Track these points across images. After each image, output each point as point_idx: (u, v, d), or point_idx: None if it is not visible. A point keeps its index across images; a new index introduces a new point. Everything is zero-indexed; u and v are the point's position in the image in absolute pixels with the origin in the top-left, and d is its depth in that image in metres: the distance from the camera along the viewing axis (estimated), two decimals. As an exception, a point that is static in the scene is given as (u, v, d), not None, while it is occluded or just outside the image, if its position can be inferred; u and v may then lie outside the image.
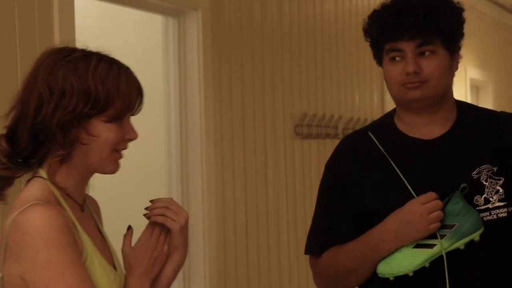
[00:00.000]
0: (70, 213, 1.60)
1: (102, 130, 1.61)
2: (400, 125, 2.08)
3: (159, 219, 1.69)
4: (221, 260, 3.59)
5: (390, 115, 2.14)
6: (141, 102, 1.67)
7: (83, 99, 1.58)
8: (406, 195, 1.95)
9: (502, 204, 1.96)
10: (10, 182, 1.62)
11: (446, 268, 1.90)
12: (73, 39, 2.81)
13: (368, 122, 5.05)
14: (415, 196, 1.94)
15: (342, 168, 2.10)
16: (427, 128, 2.05)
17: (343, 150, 2.14)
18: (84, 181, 1.68)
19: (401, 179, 1.99)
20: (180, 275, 3.49)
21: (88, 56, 1.62)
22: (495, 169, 1.98)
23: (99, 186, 1.75)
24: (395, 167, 2.00)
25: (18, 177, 1.64)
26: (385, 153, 2.03)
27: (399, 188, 1.98)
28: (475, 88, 8.16)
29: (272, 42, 4.06)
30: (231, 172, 3.69)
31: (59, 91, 1.58)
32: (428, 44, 1.97)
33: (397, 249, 1.92)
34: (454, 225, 1.90)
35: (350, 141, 2.16)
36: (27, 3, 2.62)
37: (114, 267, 1.68)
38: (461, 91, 7.02)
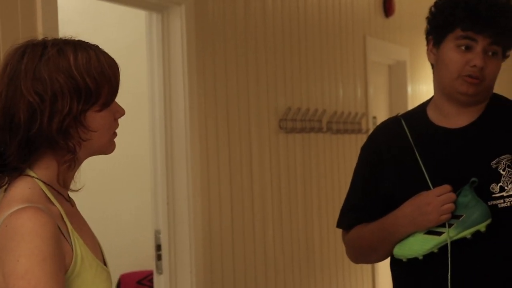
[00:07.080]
0: (61, 210, 1.56)
1: (99, 121, 1.59)
2: (431, 114, 2.22)
3: None
4: (207, 255, 3.59)
5: (424, 105, 2.28)
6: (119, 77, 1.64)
7: (75, 96, 1.54)
8: (422, 182, 2.12)
9: None
10: None
11: (449, 255, 2.06)
12: (56, 34, 2.80)
13: (352, 116, 5.07)
14: (430, 183, 2.10)
15: (373, 155, 2.29)
16: (457, 117, 2.17)
17: (376, 138, 2.34)
18: (74, 173, 1.65)
19: (421, 166, 2.14)
20: (166, 270, 3.48)
21: (63, 49, 1.57)
22: None
23: (86, 184, 1.74)
24: (417, 155, 2.16)
25: (2, 186, 1.57)
26: (411, 141, 2.19)
27: (417, 174, 2.14)
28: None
29: (255, 36, 4.06)
30: (216, 167, 3.69)
31: (50, 96, 1.53)
32: (498, 44, 2.10)
33: (411, 234, 2.10)
34: (462, 215, 2.05)
35: (384, 129, 2.34)
36: (9, -2, 2.61)
37: (104, 263, 1.66)
38: None
